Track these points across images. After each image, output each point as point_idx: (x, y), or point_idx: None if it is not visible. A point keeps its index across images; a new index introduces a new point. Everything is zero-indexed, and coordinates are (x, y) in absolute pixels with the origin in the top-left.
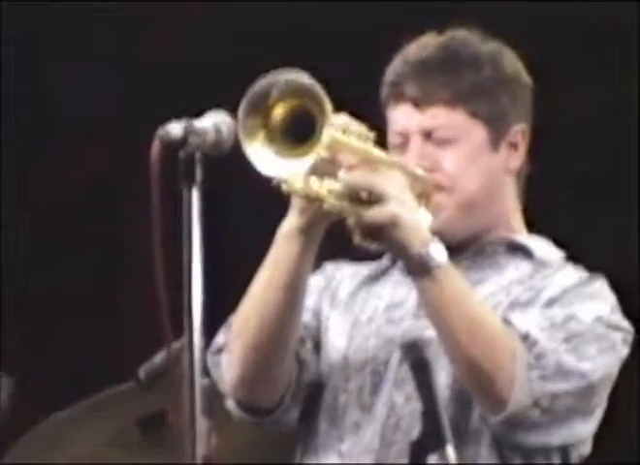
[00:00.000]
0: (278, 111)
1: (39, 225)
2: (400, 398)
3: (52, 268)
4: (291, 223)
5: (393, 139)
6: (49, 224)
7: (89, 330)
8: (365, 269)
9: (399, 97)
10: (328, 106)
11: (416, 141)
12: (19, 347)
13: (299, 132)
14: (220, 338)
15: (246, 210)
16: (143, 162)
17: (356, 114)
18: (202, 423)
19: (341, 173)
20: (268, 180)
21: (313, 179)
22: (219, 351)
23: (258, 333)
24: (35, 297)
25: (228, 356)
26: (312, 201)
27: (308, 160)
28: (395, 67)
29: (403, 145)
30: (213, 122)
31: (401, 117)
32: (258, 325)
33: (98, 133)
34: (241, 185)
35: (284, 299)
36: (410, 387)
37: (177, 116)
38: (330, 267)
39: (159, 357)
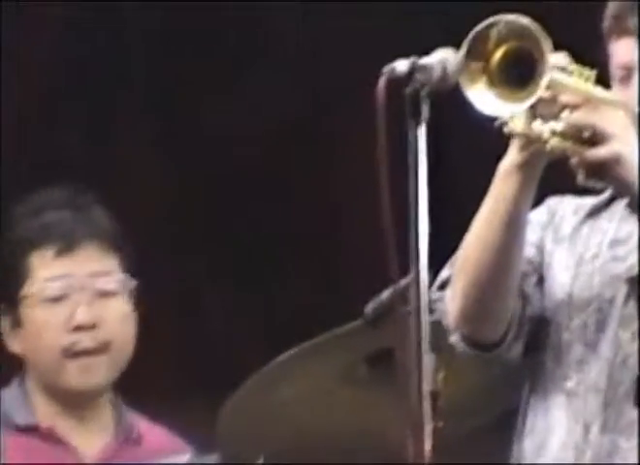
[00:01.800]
0: (498, 54)
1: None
2: (626, 336)
3: (272, 209)
4: (511, 160)
5: (615, 72)
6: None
7: (315, 269)
8: (588, 203)
9: (621, 31)
10: (547, 46)
11: (638, 76)
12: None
13: (519, 73)
14: (445, 273)
15: (469, 147)
16: (357, 95)
17: (574, 52)
18: (428, 360)
19: (563, 114)
20: (490, 117)
21: (535, 121)
22: (443, 286)
23: (480, 269)
24: (257, 239)
25: (451, 291)
26: (534, 142)
27: (529, 102)
28: (618, 0)
29: (626, 79)
30: (439, 58)
31: (624, 51)
32: (480, 261)
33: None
34: (464, 121)
35: (504, 235)
36: (637, 324)
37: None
38: (553, 202)
39: (386, 294)
